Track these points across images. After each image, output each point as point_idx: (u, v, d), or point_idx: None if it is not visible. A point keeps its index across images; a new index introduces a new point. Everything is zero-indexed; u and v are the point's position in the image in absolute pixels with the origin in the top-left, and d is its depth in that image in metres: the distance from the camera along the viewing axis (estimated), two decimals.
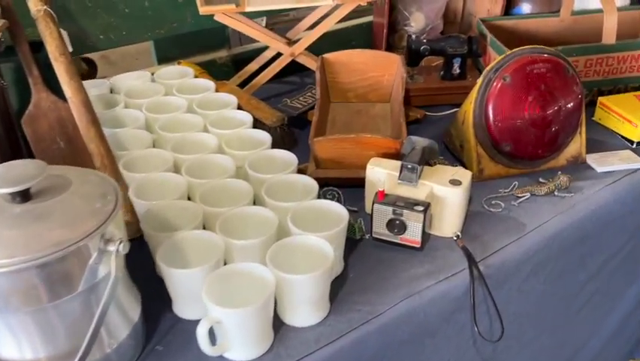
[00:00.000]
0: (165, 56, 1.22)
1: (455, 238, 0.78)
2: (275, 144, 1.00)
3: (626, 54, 1.07)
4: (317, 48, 1.39)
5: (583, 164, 0.95)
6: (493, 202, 0.86)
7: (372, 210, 0.76)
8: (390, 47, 1.36)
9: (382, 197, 0.75)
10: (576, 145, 0.95)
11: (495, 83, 0.88)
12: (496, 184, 0.91)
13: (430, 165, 0.81)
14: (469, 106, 0.90)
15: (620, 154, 0.97)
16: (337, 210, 0.72)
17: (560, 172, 0.89)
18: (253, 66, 1.19)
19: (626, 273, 1.06)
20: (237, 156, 0.86)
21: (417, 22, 1.31)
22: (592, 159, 0.95)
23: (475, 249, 0.77)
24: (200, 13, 1.03)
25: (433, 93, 1.15)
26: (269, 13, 1.14)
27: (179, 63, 1.20)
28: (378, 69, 1.07)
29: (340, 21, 1.45)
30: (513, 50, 0.89)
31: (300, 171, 0.90)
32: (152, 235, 0.69)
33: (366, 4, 1.11)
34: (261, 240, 0.66)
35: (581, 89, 0.91)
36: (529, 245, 0.79)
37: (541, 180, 0.90)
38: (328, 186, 0.90)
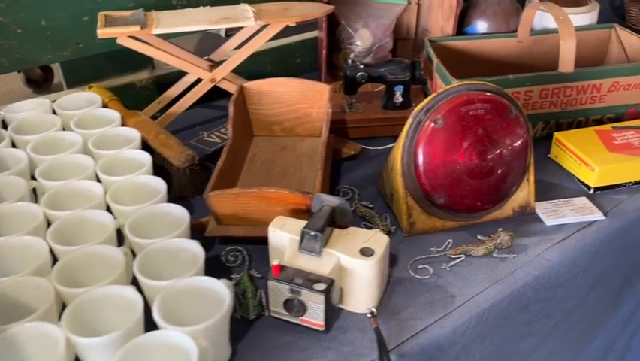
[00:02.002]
0: (76, 79, 1.09)
1: (369, 316, 0.66)
2: (184, 188, 0.88)
3: (586, 83, 0.95)
4: (256, 66, 1.28)
5: (532, 214, 0.83)
6: (420, 267, 0.74)
7: (266, 286, 0.64)
8: (333, 67, 1.24)
9: (278, 272, 0.63)
10: (524, 193, 0.83)
11: (425, 127, 0.75)
12: (429, 240, 0.79)
13: (342, 227, 0.69)
14: (397, 152, 0.78)
15: (575, 202, 0.85)
16: (219, 292, 0.60)
17: (500, 229, 0.77)
18: (173, 91, 1.05)
19: (584, 330, 0.94)
20: (121, 212, 0.73)
21: (363, 40, 1.19)
22: (542, 209, 0.83)
23: (392, 329, 0.65)
24: (99, 37, 0.90)
25: (373, 124, 1.02)
26: (180, 35, 1.01)
27: (90, 88, 1.06)
28: (307, 100, 0.94)
29: (284, 36, 1.34)
30: (447, 87, 0.77)
31: (200, 225, 0.78)
32: None
33: (295, 24, 0.99)
34: (112, 337, 0.54)
35: (526, 130, 0.78)
36: (458, 324, 0.67)
37: (479, 236, 0.78)
38: (232, 245, 0.78)
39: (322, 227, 0.64)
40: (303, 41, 1.32)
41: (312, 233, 0.63)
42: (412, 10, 1.25)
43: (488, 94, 0.76)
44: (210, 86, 1.01)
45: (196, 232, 0.78)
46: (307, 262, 0.64)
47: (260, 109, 0.95)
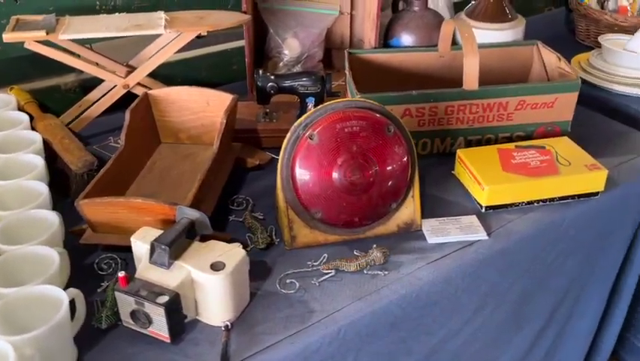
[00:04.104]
0: (1, 81, 1.10)
1: (223, 329, 0.67)
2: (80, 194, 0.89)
3: (492, 101, 0.95)
4: (190, 72, 1.29)
5: (418, 231, 0.84)
6: (288, 281, 0.75)
7: (108, 296, 0.65)
8: None
9: (125, 283, 0.63)
10: (409, 210, 0.83)
11: (301, 142, 0.76)
12: (308, 254, 0.79)
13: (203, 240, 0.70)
14: (278, 166, 0.78)
15: (463, 221, 0.85)
16: (58, 299, 0.61)
17: (375, 245, 0.77)
18: (94, 95, 1.06)
19: (483, 347, 0.94)
20: None
21: (291, 49, 1.19)
22: (428, 226, 0.83)
23: (243, 343, 0.66)
24: (4, 41, 0.91)
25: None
26: (91, 42, 1.03)
27: (11, 89, 1.08)
28: (211, 109, 0.94)
29: (221, 42, 1.35)
30: (325, 104, 0.77)
31: (81, 232, 0.79)
32: None
33: (206, 33, 0.99)
34: None
35: (406, 149, 0.79)
36: (311, 340, 0.67)
37: (356, 252, 0.79)
38: (113, 252, 0.78)
39: (173, 240, 0.64)
40: (240, 48, 1.32)
41: (163, 247, 0.64)
42: (345, 20, 1.25)
43: (366, 111, 0.77)
44: (124, 91, 1.02)
45: (78, 238, 0.79)
46: (157, 275, 0.64)
47: (167, 116, 0.96)
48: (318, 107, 0.77)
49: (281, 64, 1.21)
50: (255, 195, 0.92)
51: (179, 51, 1.25)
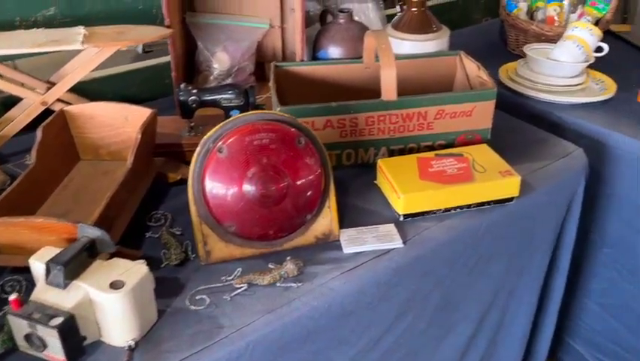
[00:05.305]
0: None
1: (127, 349, 0.65)
2: None
3: (411, 111, 0.97)
4: (121, 87, 1.27)
5: (336, 241, 0.84)
6: (198, 297, 0.74)
7: (7, 320, 0.63)
8: None
9: (18, 306, 0.62)
10: (326, 221, 0.83)
11: (211, 155, 0.75)
12: (223, 269, 0.78)
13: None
14: (189, 180, 0.77)
15: (380, 230, 0.85)
16: None
17: (289, 257, 0.77)
18: (14, 113, 1.04)
19: (409, 354, 0.94)
20: None
21: (220, 63, 1.19)
22: (346, 237, 0.84)
23: None
24: None
25: None
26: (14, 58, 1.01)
27: None
28: (130, 124, 0.93)
29: (156, 56, 1.34)
30: (236, 117, 0.77)
31: None
32: None
33: (125, 48, 0.98)
34: None
35: (319, 160, 0.79)
36: (217, 356, 0.66)
37: (270, 265, 0.78)
38: (14, 275, 0.76)
39: (69, 260, 0.63)
40: None
41: (58, 267, 0.62)
42: (276, 33, 1.26)
43: (276, 123, 0.77)
44: (42, 109, 1.00)
45: None
46: (53, 296, 0.63)
47: (85, 133, 0.94)
48: (228, 120, 0.77)
49: (211, 77, 1.20)
50: (176, 210, 0.90)
51: (110, 66, 1.23)
